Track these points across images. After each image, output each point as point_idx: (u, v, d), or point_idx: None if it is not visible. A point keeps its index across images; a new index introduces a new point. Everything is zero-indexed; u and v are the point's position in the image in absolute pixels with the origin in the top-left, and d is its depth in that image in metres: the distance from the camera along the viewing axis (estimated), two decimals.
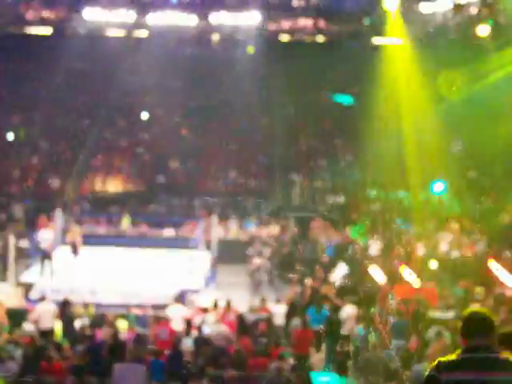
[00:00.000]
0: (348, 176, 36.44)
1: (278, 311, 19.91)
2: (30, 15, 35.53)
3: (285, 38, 37.05)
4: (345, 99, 37.93)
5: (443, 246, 27.98)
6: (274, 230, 30.68)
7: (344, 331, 19.02)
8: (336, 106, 41.11)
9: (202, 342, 16.91)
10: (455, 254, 27.32)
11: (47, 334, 18.05)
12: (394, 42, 37.21)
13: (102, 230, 31.58)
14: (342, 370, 16.82)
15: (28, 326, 18.38)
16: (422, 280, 22.78)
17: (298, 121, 41.65)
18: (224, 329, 17.50)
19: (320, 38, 36.25)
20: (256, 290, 25.08)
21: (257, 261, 25.67)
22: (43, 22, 35.84)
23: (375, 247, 27.95)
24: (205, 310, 19.09)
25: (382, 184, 35.37)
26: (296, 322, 18.73)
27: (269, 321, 18.88)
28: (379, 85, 40.67)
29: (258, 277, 25.41)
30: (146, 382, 13.74)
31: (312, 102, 41.96)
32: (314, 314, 19.14)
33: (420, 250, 27.84)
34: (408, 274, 22.77)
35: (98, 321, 18.59)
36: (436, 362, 4.86)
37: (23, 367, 15.54)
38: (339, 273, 24.97)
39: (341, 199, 34.33)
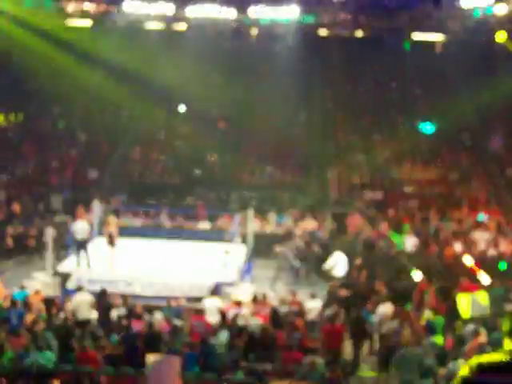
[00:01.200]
0: (386, 172, 36.25)
1: (313, 306, 19.86)
2: (70, 8, 35.73)
3: (323, 32, 36.84)
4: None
5: (481, 244, 27.75)
6: (310, 224, 30.58)
7: (383, 329, 18.94)
8: (374, 102, 40.91)
9: (236, 334, 16.93)
10: (493, 252, 27.08)
11: (84, 324, 18.20)
12: (434, 37, 36.92)
13: (138, 221, 31.76)
14: (383, 366, 16.73)
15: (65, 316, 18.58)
16: (459, 277, 22.62)
17: (336, 116, 41.49)
18: (259, 322, 17.50)
19: (359, 33, 35.98)
20: (278, 277, 25.37)
21: (277, 248, 25.69)
22: (83, 14, 36.02)
23: (411, 243, 27.77)
24: (240, 304, 19.09)
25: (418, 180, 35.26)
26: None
27: (301, 315, 18.85)
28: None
29: (277, 263, 25.77)
30: (180, 374, 13.78)
31: (350, 97, 41.76)
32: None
33: (457, 247, 27.66)
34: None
35: (134, 312, 18.70)
36: (475, 364, 4.63)
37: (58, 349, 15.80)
38: (332, 262, 25.03)
39: (378, 195, 34.14)
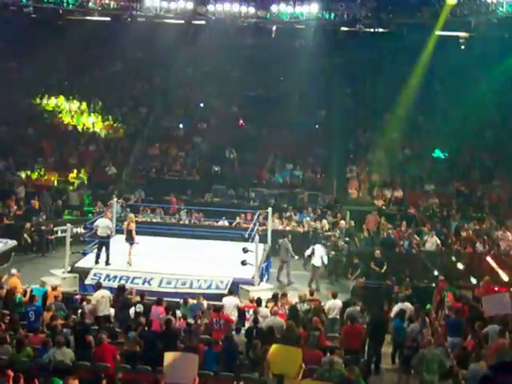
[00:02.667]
0: (406, 170, 36.02)
1: (333, 305, 19.67)
2: (91, 3, 35.76)
3: (344, 28, 36.62)
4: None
5: (502, 244, 27.51)
6: (329, 222, 30.48)
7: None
8: (394, 100, 40.65)
9: (254, 333, 16.77)
10: None
11: (103, 320, 18.14)
12: (456, 33, 36.58)
13: (157, 218, 31.73)
14: (406, 366, 16.49)
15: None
16: (481, 277, 22.42)
17: (356, 113, 41.28)
18: (279, 321, 17.35)
19: (380, 29, 35.75)
20: (281, 270, 26.05)
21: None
22: (104, 9, 36.04)
23: (432, 243, 27.56)
24: (259, 302, 18.96)
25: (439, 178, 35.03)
26: (354, 312, 18.45)
27: (319, 313, 18.66)
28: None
29: (280, 256, 26.41)
30: (197, 371, 13.68)
31: (371, 94, 41.55)
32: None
33: (478, 246, 27.44)
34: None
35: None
36: (494, 363, 4.55)
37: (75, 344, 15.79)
38: (309, 251, 25.81)
39: (398, 193, 33.90)
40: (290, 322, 17.14)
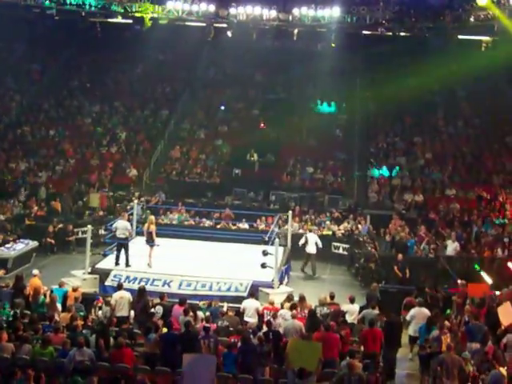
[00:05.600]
0: (427, 174, 35.86)
1: (350, 309, 19.59)
2: (114, 5, 35.92)
3: (366, 32, 36.49)
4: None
5: None
6: (349, 226, 30.49)
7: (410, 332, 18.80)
8: (417, 103, 40.45)
9: (271, 336, 16.72)
10: None
11: (122, 321, 18.19)
12: (479, 37, 36.29)
13: (176, 220, 31.80)
14: (426, 366, 16.40)
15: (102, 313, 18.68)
16: (501, 283, 22.25)
17: (377, 117, 41.16)
18: (298, 324, 17.31)
19: (402, 33, 35.61)
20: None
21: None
22: (127, 12, 36.16)
23: (452, 247, 27.43)
24: (278, 305, 18.95)
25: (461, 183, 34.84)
26: (370, 315, 18.39)
27: (337, 317, 18.60)
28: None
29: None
30: (216, 374, 13.69)
31: (393, 98, 41.42)
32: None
33: (499, 252, 27.28)
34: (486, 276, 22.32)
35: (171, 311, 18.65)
36: None
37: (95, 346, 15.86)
38: (302, 240, 27.72)
39: (419, 198, 33.75)
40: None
